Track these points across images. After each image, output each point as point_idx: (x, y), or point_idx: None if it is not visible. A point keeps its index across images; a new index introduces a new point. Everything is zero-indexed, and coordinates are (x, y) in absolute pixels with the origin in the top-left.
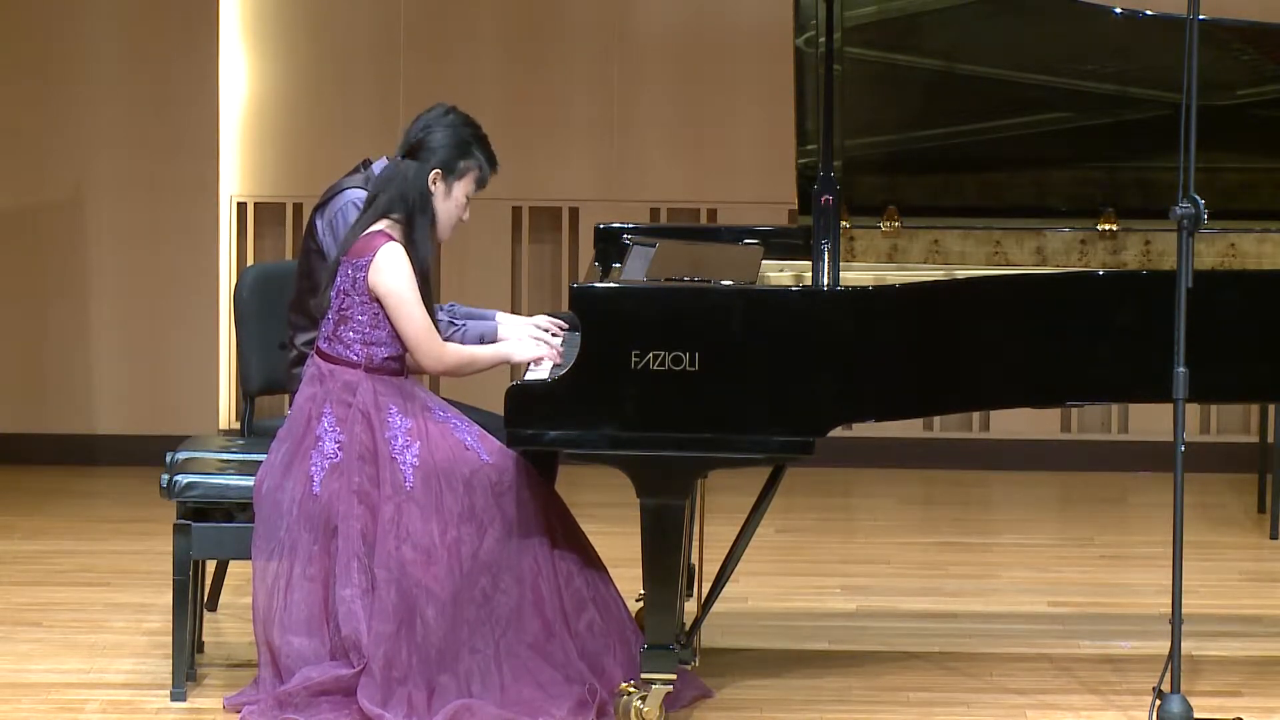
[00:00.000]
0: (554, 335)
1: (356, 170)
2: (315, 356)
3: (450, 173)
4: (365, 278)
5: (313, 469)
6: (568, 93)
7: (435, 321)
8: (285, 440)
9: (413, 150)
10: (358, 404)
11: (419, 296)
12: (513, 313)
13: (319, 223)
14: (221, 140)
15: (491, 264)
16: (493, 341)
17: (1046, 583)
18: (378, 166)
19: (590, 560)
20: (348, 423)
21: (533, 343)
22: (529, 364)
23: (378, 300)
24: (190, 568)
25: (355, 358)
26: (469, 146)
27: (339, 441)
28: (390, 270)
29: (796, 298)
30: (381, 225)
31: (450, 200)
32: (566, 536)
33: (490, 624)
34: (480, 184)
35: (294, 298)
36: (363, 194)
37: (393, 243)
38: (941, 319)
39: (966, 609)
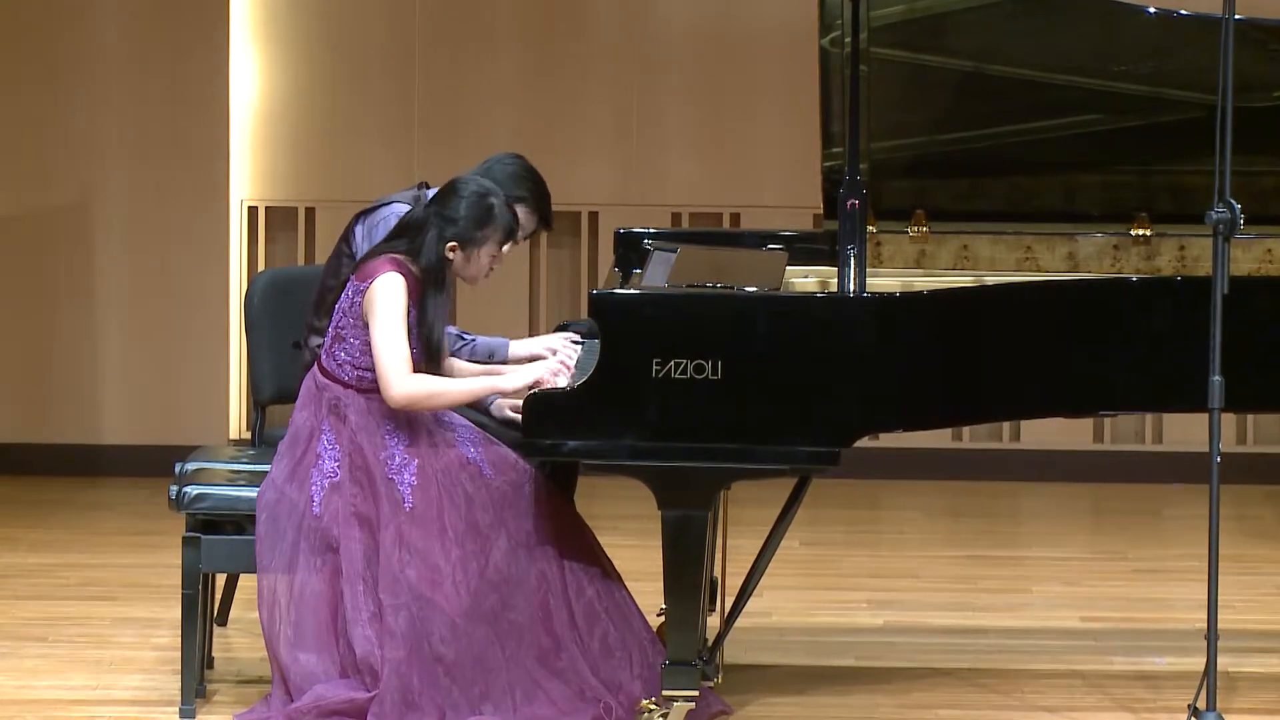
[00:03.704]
0: (566, 350)
1: (411, 189)
2: (315, 369)
3: (468, 243)
4: (361, 303)
5: (313, 488)
6: (587, 93)
7: (441, 365)
8: (285, 455)
9: (440, 208)
10: (351, 423)
11: (402, 329)
12: (530, 318)
13: (359, 229)
14: (232, 143)
15: (508, 269)
16: (503, 360)
17: (1078, 597)
18: (431, 193)
19: (604, 571)
20: (344, 440)
21: (529, 372)
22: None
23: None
24: (200, 581)
25: (346, 378)
26: (489, 215)
27: (337, 460)
28: (381, 297)
29: (822, 305)
30: (396, 253)
31: (472, 265)
32: (578, 547)
33: (501, 642)
34: (506, 241)
35: (315, 298)
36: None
37: (393, 273)
38: (970, 326)
39: (997, 624)
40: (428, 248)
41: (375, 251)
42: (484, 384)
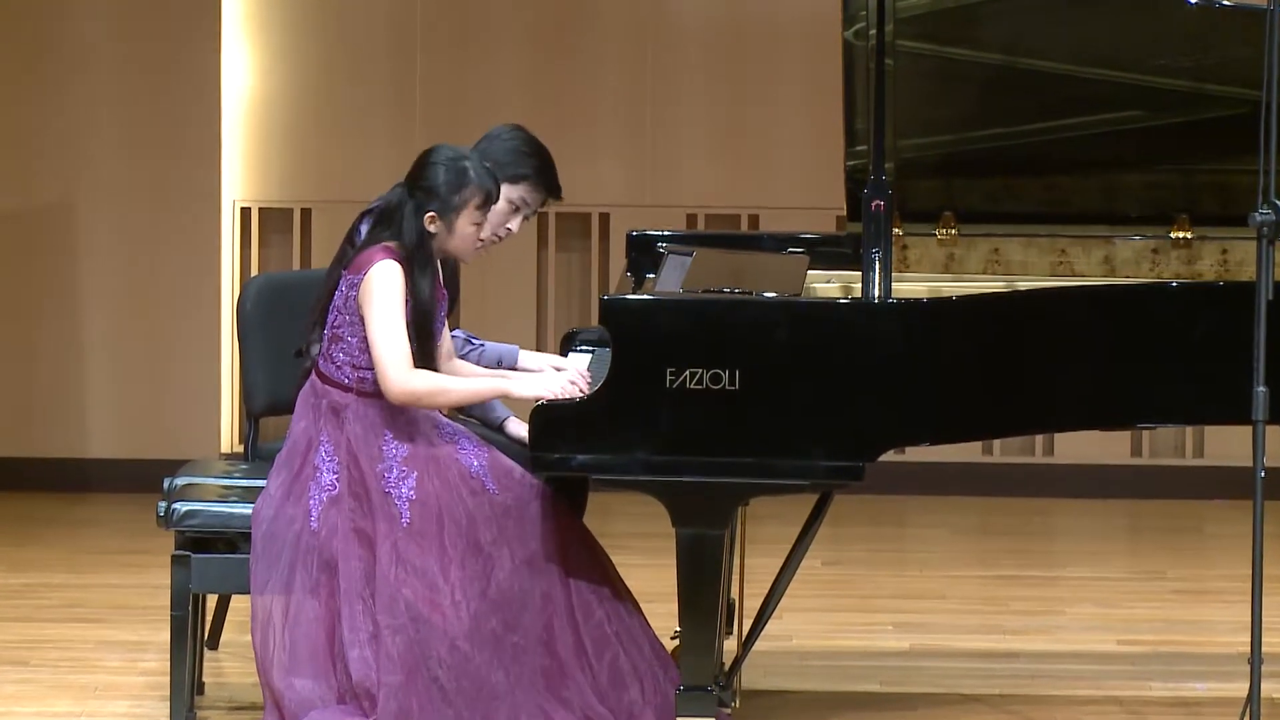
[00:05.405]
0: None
1: None
2: (313, 374)
3: (446, 210)
4: (357, 296)
5: (311, 502)
6: (598, 90)
7: (433, 346)
8: (283, 469)
9: (413, 182)
10: (348, 432)
11: (402, 320)
12: (538, 325)
13: (363, 228)
14: (224, 141)
15: (516, 274)
16: (511, 367)
17: (1115, 619)
18: None
19: (616, 592)
20: (342, 452)
21: (541, 382)
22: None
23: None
24: (190, 602)
25: (346, 380)
26: (463, 176)
27: (336, 473)
28: (376, 286)
29: (845, 311)
30: (386, 243)
31: (456, 235)
32: (588, 567)
33: (503, 666)
34: (486, 204)
35: (315, 303)
36: None
37: (389, 260)
38: (1001, 334)
39: (1029, 648)
40: (407, 223)
41: (365, 244)
42: (491, 385)
